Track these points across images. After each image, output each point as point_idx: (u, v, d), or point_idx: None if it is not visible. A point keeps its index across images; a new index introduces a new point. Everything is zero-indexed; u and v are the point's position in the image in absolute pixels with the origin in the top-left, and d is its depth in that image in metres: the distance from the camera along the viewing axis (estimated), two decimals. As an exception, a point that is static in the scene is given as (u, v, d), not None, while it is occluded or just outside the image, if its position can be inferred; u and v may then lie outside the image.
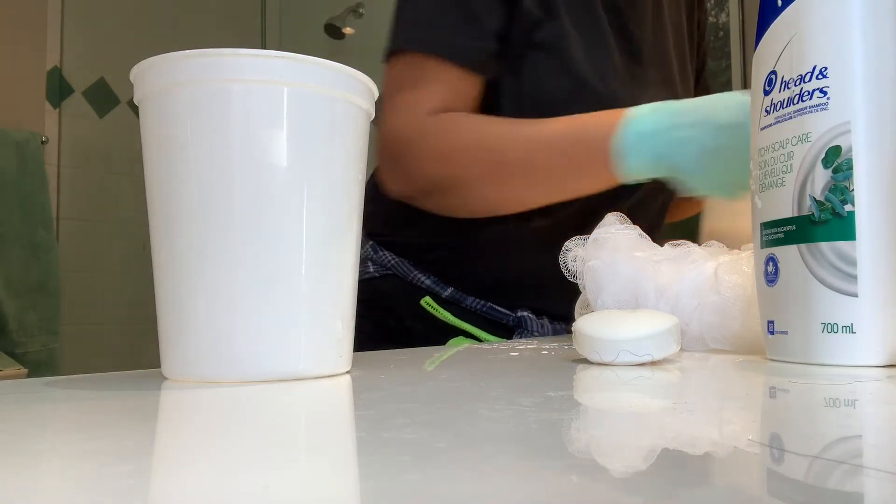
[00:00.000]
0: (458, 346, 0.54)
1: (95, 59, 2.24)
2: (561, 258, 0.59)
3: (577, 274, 0.58)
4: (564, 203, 0.71)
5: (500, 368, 0.43)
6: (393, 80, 0.73)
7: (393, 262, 0.82)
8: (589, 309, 0.57)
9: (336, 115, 0.37)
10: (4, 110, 2.00)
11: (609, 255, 0.55)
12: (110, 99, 2.29)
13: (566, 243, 0.59)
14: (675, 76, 0.84)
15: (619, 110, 0.64)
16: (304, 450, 0.21)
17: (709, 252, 0.55)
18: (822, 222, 0.40)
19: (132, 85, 0.37)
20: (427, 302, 0.74)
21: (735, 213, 0.71)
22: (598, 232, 0.57)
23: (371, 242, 0.84)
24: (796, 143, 0.41)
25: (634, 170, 0.63)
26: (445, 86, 0.70)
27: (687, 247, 0.56)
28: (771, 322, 0.43)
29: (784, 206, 0.42)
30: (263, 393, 0.31)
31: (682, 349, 0.52)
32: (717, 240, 0.57)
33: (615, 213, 0.59)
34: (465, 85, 0.71)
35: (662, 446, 0.21)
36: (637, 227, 0.58)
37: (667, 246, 0.57)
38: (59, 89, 2.16)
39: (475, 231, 0.77)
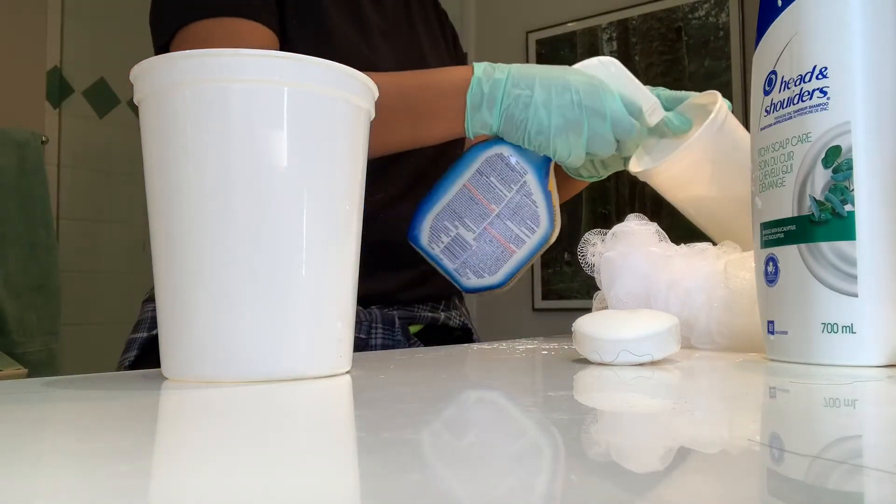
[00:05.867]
0: None
1: (95, 59, 2.24)
2: (579, 251, 0.59)
3: (595, 267, 0.58)
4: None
5: (501, 369, 0.43)
6: None
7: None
8: (605, 302, 0.57)
9: (336, 115, 0.37)
10: (4, 110, 2.00)
11: (624, 248, 0.56)
12: (110, 99, 2.29)
13: (586, 235, 0.59)
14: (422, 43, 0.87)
15: (467, 66, 0.66)
16: (304, 450, 0.21)
17: (722, 251, 0.56)
18: (822, 222, 0.40)
19: (132, 85, 0.37)
20: None
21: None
22: (618, 227, 0.58)
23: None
24: (796, 143, 0.41)
25: (480, 124, 0.64)
26: (248, 43, 0.67)
27: (702, 246, 0.57)
28: (771, 322, 0.43)
29: (784, 206, 0.42)
30: (263, 393, 0.31)
31: (690, 344, 0.52)
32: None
33: (635, 213, 0.59)
34: (264, 40, 0.69)
35: (662, 446, 0.21)
36: (655, 224, 0.58)
37: (682, 245, 0.58)
38: (59, 89, 2.16)
39: None
